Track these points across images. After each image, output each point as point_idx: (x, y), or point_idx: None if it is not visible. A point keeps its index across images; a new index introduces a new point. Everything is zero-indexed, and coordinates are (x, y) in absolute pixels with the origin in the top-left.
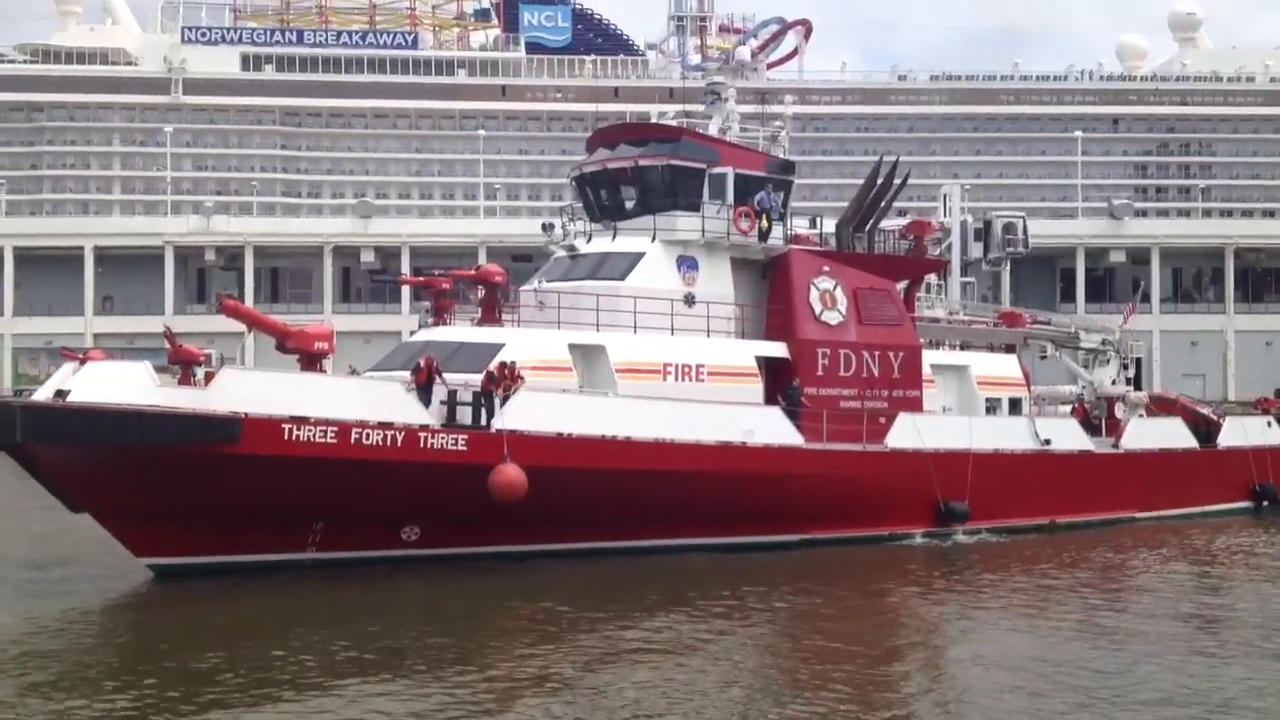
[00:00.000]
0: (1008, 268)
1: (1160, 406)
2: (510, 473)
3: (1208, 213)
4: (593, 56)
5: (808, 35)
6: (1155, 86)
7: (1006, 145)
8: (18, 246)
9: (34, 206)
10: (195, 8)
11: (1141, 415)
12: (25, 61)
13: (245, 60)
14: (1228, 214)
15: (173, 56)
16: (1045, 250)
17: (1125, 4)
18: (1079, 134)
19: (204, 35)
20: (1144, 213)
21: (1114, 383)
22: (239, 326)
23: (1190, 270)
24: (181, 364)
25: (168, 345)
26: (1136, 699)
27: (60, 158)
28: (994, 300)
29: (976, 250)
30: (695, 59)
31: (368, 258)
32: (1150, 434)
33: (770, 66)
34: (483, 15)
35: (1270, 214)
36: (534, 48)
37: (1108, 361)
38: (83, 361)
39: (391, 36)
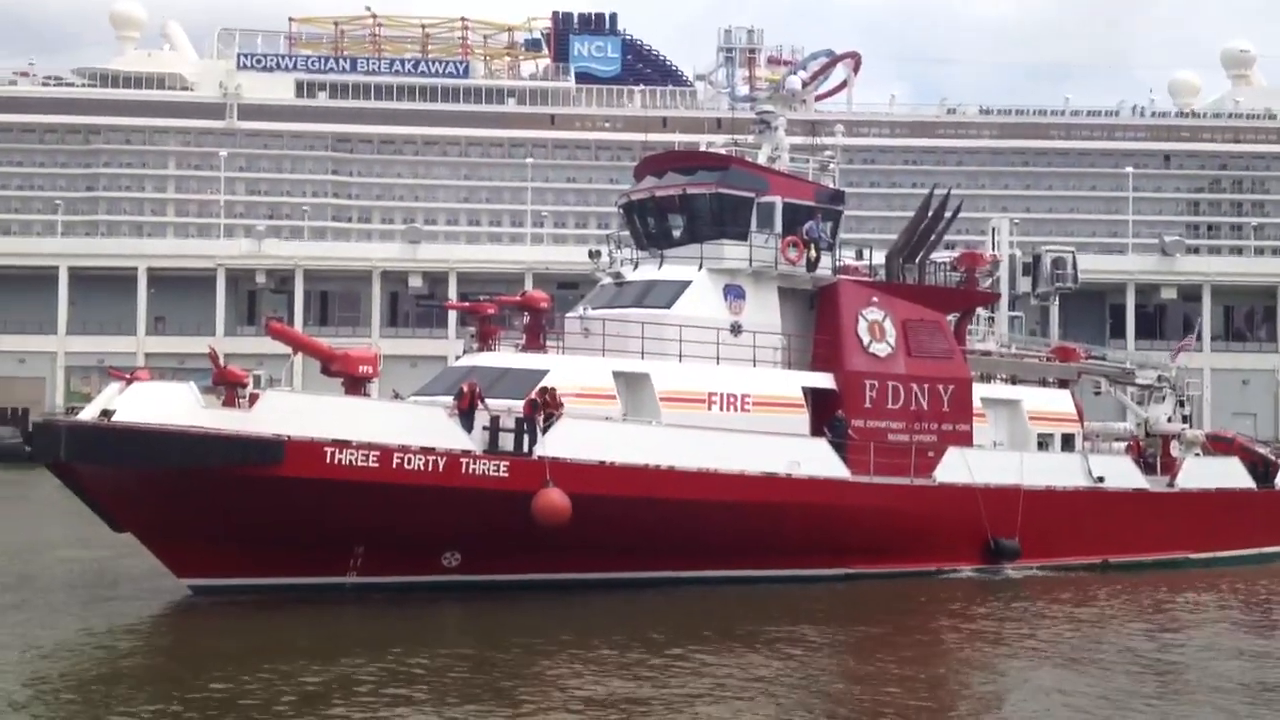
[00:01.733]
0: (1056, 303)
1: (1216, 445)
2: (554, 496)
3: (1260, 251)
4: (641, 87)
5: (856, 68)
6: (1208, 123)
7: (1056, 180)
8: (73, 266)
9: (89, 227)
10: (251, 35)
11: (1197, 454)
12: (83, 85)
13: (299, 86)
14: None
15: (228, 82)
16: (1094, 286)
17: (1178, 41)
18: (1130, 170)
19: (259, 62)
20: (1195, 250)
21: (1170, 420)
22: (287, 349)
23: (1242, 308)
24: (226, 385)
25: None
26: None
27: (116, 180)
28: (1042, 335)
29: (1025, 285)
30: (744, 90)
31: (415, 283)
32: (1207, 473)
33: (819, 99)
34: (533, 45)
35: None
36: (583, 78)
37: (1163, 399)
38: (129, 381)
39: (443, 65)
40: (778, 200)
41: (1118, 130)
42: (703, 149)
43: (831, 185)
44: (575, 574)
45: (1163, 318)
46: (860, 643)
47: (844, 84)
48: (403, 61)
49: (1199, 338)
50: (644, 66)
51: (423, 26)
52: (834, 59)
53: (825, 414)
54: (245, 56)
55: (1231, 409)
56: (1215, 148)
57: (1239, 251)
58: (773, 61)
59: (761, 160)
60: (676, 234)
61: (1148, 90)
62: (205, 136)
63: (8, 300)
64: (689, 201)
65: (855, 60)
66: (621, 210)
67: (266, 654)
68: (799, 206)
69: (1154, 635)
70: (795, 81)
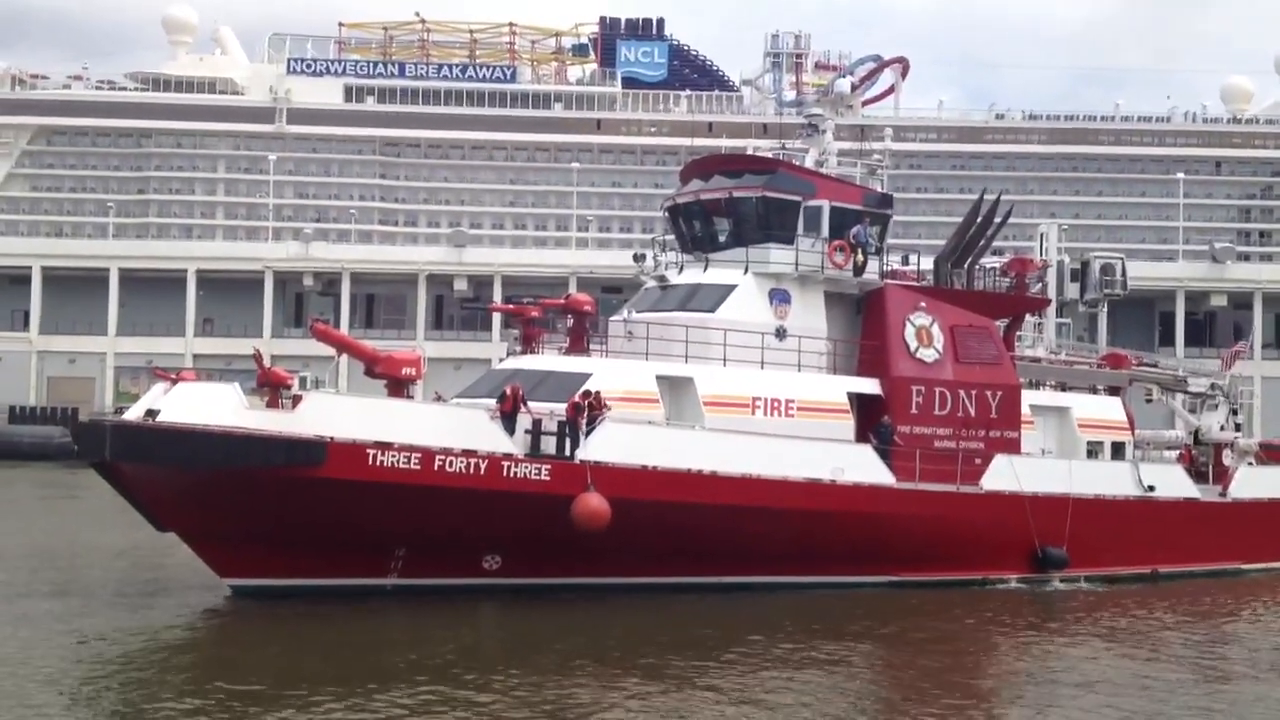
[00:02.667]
0: (1105, 309)
1: (1270, 455)
2: (593, 502)
3: None
4: (688, 92)
5: (904, 73)
6: (1260, 129)
7: (1106, 186)
8: (123, 268)
9: (140, 230)
10: (301, 40)
11: (1250, 463)
12: (136, 89)
13: (348, 91)
14: None
15: (278, 87)
16: (1144, 293)
17: (1231, 46)
18: (1181, 176)
19: (309, 67)
20: (1247, 257)
21: (1223, 429)
22: (332, 350)
23: None
24: (269, 386)
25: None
26: None
27: (167, 183)
28: (1089, 342)
29: (1073, 291)
30: (790, 95)
31: (461, 286)
32: (1261, 483)
33: (866, 104)
34: (580, 50)
35: None
36: (630, 82)
37: (1216, 406)
38: (174, 382)
39: (490, 70)
40: (825, 204)
41: (1168, 136)
42: (749, 153)
43: (880, 189)
44: (617, 578)
45: (1213, 325)
46: (907, 651)
47: (891, 89)
48: (450, 66)
49: (1250, 345)
50: (690, 71)
51: (470, 32)
52: (881, 64)
53: (871, 420)
54: (295, 61)
55: None
56: (1268, 154)
57: None
58: (820, 67)
59: (809, 163)
60: (722, 237)
61: (1200, 97)
62: (255, 140)
63: (59, 301)
64: (735, 205)
65: (903, 65)
66: (667, 213)
67: (304, 663)
68: (846, 210)
69: (1208, 643)
70: (844, 84)
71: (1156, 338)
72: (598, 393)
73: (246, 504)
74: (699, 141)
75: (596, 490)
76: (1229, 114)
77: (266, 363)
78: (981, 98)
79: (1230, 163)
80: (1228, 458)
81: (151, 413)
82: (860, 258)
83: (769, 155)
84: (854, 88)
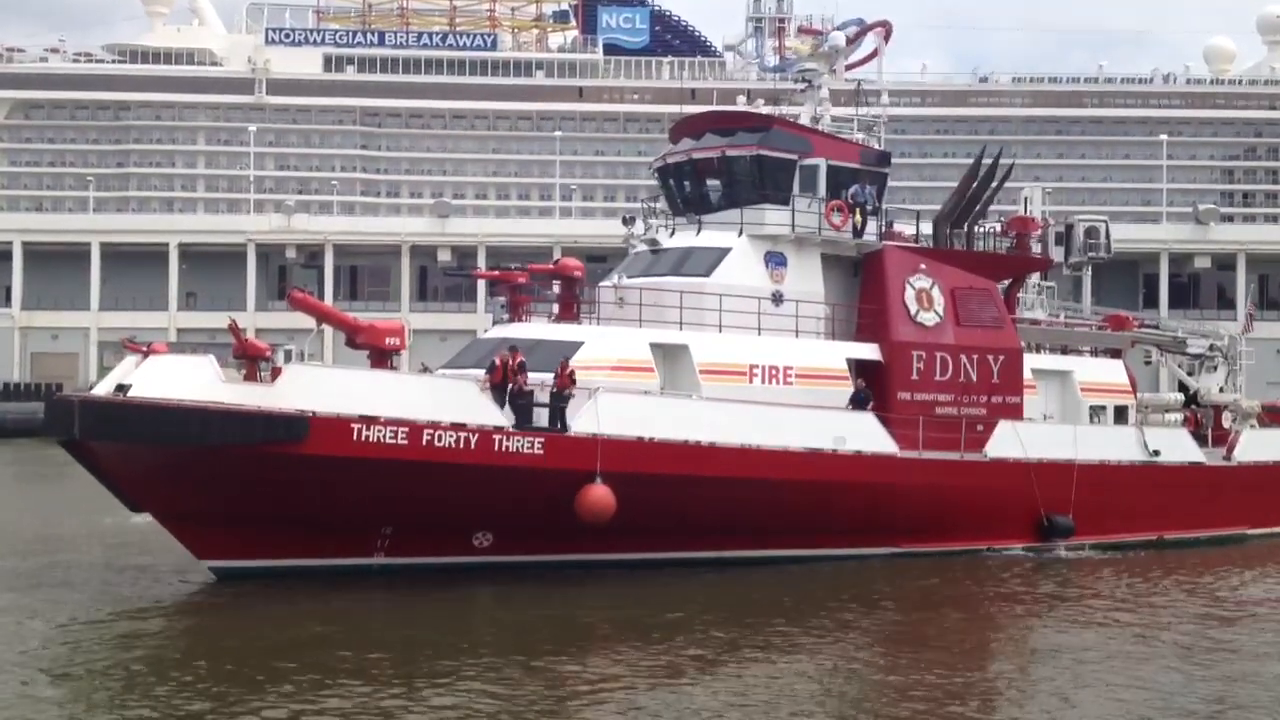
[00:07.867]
0: (1089, 272)
1: (1273, 417)
2: (599, 494)
3: None
4: (670, 58)
5: (887, 37)
6: (1243, 90)
7: (1090, 148)
8: (105, 243)
9: (120, 204)
10: (279, 9)
11: (1253, 426)
12: (114, 61)
13: (327, 61)
14: None
15: (257, 57)
16: (1128, 255)
17: (1213, 7)
18: (1164, 138)
19: (287, 36)
20: (1230, 218)
21: (1222, 390)
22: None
23: (1277, 277)
24: (247, 359)
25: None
26: None
27: (147, 156)
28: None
29: (1057, 254)
30: (773, 60)
31: (445, 257)
32: (1265, 446)
33: (849, 68)
34: (561, 17)
35: None
36: (611, 49)
37: (1215, 368)
38: (145, 355)
39: (471, 38)
40: (821, 162)
41: (1151, 98)
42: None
43: (877, 147)
44: (612, 554)
45: (1197, 287)
46: (900, 629)
47: (874, 53)
48: (430, 35)
49: (1257, 305)
50: (672, 37)
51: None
52: (865, 28)
53: (870, 386)
54: (274, 31)
55: (1267, 378)
56: (1250, 115)
57: (1274, 219)
58: (803, 31)
59: (804, 120)
60: (715, 198)
61: (1183, 59)
62: (234, 112)
63: (41, 277)
64: (728, 164)
65: (886, 29)
66: (656, 174)
67: (285, 651)
68: (843, 169)
69: (1214, 620)
70: (839, 37)
71: (1140, 300)
72: (564, 361)
73: (224, 483)
74: (682, 108)
75: (602, 473)
76: (1212, 75)
77: (251, 336)
78: (964, 61)
79: (1213, 124)
80: (1227, 420)
81: (122, 388)
82: (859, 218)
83: (763, 111)
84: (849, 41)
